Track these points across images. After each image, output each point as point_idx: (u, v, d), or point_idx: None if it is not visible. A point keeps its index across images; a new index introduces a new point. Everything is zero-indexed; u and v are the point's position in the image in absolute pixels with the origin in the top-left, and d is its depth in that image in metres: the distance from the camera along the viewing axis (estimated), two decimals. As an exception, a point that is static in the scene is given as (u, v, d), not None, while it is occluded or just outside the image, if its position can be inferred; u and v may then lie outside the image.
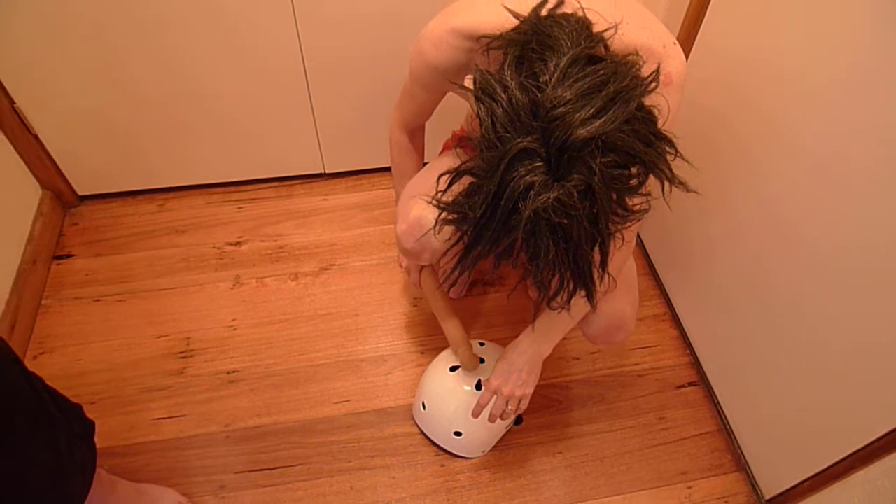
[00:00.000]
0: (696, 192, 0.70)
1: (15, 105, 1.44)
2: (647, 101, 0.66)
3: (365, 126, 1.65)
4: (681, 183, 0.68)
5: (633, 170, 0.66)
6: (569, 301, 0.73)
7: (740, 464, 1.32)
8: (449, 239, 0.73)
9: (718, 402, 1.39)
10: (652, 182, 0.68)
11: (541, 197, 0.61)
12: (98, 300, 1.52)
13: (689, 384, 1.45)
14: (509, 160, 0.62)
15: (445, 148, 1.27)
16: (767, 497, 1.25)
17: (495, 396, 1.09)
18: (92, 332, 1.47)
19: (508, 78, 0.64)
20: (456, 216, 0.70)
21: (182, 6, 1.32)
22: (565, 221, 0.62)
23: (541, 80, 0.62)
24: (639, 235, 1.68)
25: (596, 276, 0.71)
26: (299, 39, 1.43)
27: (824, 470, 1.07)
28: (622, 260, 1.01)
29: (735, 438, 1.34)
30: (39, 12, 1.29)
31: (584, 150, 0.61)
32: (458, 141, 1.22)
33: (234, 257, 1.62)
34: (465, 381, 1.24)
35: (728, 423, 1.36)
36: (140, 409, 1.35)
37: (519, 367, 1.05)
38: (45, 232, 1.58)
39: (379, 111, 1.48)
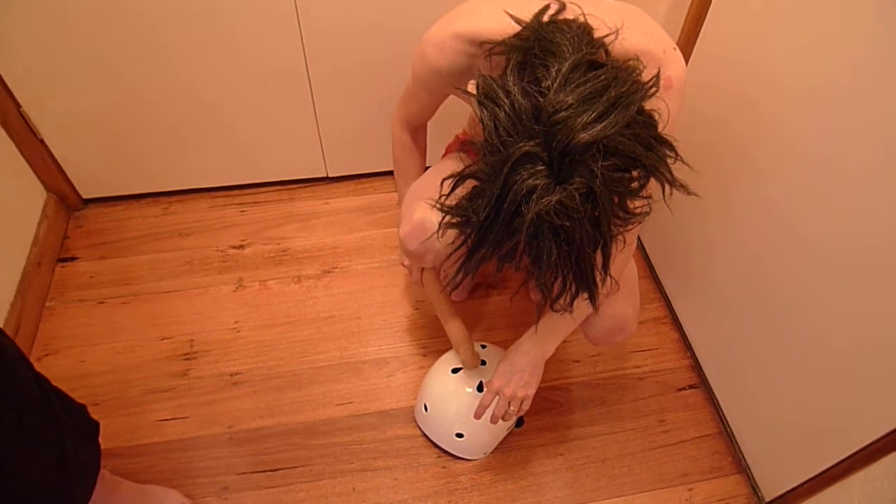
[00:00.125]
0: (696, 195, 0.71)
1: (21, 109, 1.45)
2: (648, 105, 0.67)
3: (367, 130, 1.67)
4: (681, 186, 0.69)
5: (634, 173, 0.67)
6: (571, 303, 0.74)
7: (741, 466, 1.33)
8: (452, 242, 0.75)
9: (719, 405, 1.40)
10: (653, 185, 0.69)
11: (543, 200, 0.62)
12: (102, 302, 1.53)
13: (690, 387, 1.45)
14: (512, 164, 0.63)
15: (448, 151, 1.28)
16: (768, 499, 1.25)
17: (497, 397, 1.09)
18: (96, 334, 1.47)
19: (511, 83, 0.65)
20: (459, 219, 0.71)
21: (187, 14, 1.34)
22: (567, 224, 0.63)
23: (543, 85, 0.64)
24: (639, 239, 1.69)
25: (598, 278, 0.72)
26: (303, 46, 1.44)
27: (824, 471, 1.08)
28: (623, 262, 1.02)
29: (735, 441, 1.35)
30: (46, 18, 1.30)
31: (585, 153, 0.62)
32: (461, 144, 1.23)
33: (237, 260, 1.63)
34: (467, 383, 1.25)
35: (728, 425, 1.37)
36: (143, 410, 1.36)
37: (521, 367, 1.06)
38: (50, 235, 1.59)
39: (381, 116, 1.49)
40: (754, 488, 1.29)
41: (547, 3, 0.77)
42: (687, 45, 1.29)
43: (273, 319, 1.52)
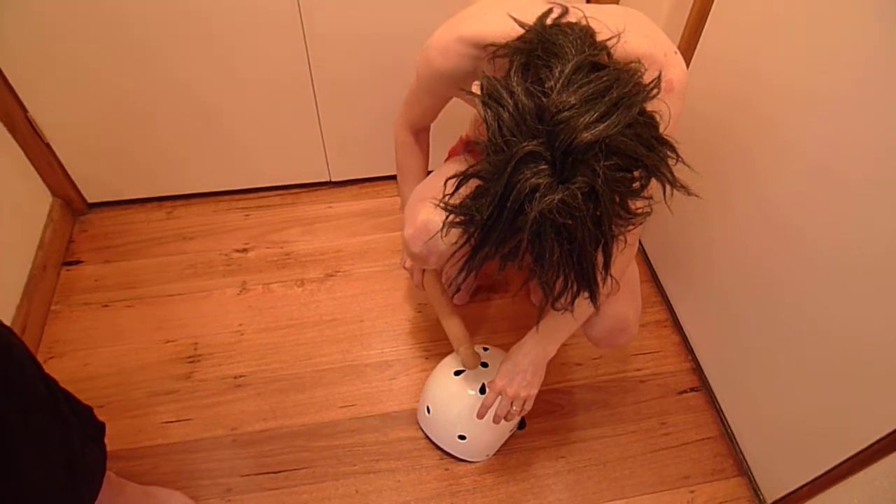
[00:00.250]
0: (696, 195, 0.72)
1: (28, 115, 1.46)
2: (649, 107, 0.68)
3: (370, 136, 1.68)
4: (682, 187, 0.70)
5: (636, 173, 0.68)
6: (573, 302, 0.74)
7: (742, 468, 1.33)
8: (455, 242, 0.76)
9: (720, 408, 1.40)
10: (654, 186, 0.70)
11: (546, 198, 0.63)
12: (107, 305, 1.54)
13: (691, 389, 1.46)
14: (515, 163, 0.64)
15: (451, 155, 1.29)
16: (769, 501, 1.25)
17: (500, 397, 1.10)
18: (100, 336, 1.48)
19: (515, 84, 0.66)
20: (463, 218, 0.72)
21: (194, 22, 1.36)
22: (570, 222, 0.64)
23: (546, 85, 0.65)
24: (641, 243, 1.69)
25: (599, 277, 0.73)
26: (308, 56, 1.46)
27: (825, 473, 1.08)
28: (625, 263, 1.03)
29: (737, 443, 1.35)
30: (53, 25, 1.32)
31: (588, 153, 0.63)
32: (465, 145, 1.24)
33: (241, 264, 1.64)
34: (470, 385, 1.26)
35: (730, 427, 1.37)
36: (147, 412, 1.37)
37: (523, 367, 1.07)
38: (56, 238, 1.60)
39: (384, 122, 1.51)
40: (756, 490, 1.30)
41: (550, 7, 0.78)
42: (688, 48, 1.30)
43: (276, 322, 1.53)
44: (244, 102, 1.55)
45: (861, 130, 0.92)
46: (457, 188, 0.72)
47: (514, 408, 1.10)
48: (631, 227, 0.71)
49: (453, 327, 1.24)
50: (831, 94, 0.97)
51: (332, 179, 1.81)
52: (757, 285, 1.21)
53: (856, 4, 0.90)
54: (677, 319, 1.55)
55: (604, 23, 0.76)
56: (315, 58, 1.47)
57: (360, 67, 1.51)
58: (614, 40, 0.72)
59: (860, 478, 1.01)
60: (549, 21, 0.75)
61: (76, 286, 1.58)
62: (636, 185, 0.68)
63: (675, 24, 1.35)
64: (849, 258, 0.98)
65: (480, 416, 1.13)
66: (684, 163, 0.72)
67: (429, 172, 1.23)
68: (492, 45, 0.78)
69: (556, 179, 0.64)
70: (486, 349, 1.33)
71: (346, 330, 1.52)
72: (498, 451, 1.34)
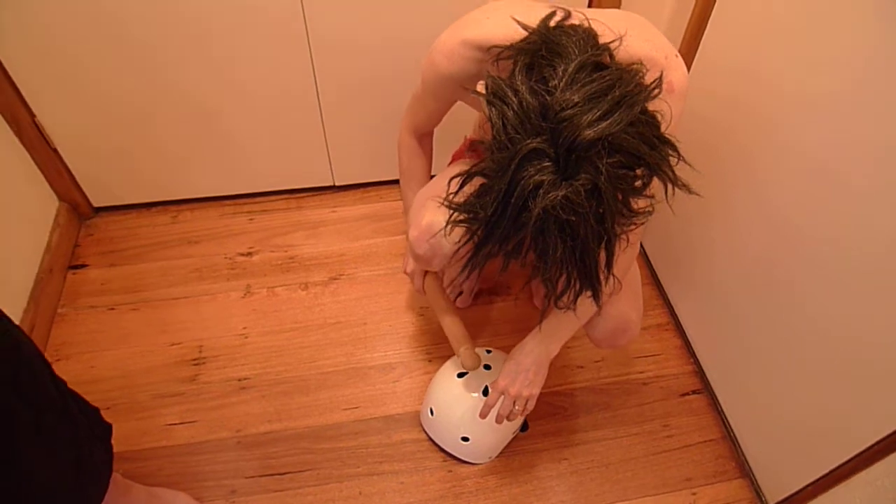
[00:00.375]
0: (697, 194, 0.73)
1: (35, 119, 1.48)
2: (651, 107, 0.69)
3: (374, 141, 1.70)
4: (683, 185, 0.71)
5: (638, 171, 0.69)
6: (575, 300, 0.75)
7: (744, 470, 1.34)
8: (459, 241, 0.76)
9: (722, 410, 1.41)
10: (655, 185, 0.71)
11: (549, 195, 0.64)
12: (112, 309, 1.55)
13: (693, 392, 1.46)
14: (519, 160, 0.65)
15: (454, 158, 1.30)
16: (771, 502, 1.26)
17: (503, 397, 1.10)
18: (106, 339, 1.49)
19: (519, 82, 0.67)
20: (467, 216, 0.73)
21: (201, 30, 1.37)
22: (573, 219, 0.65)
23: (550, 84, 0.66)
24: (642, 246, 1.70)
25: (602, 276, 0.74)
26: (312, 61, 1.48)
27: (827, 473, 1.08)
28: (627, 262, 1.03)
29: (739, 445, 1.36)
30: (60, 30, 1.33)
31: (591, 150, 0.64)
32: (470, 145, 1.25)
33: (245, 267, 1.65)
34: (473, 387, 1.26)
35: (732, 430, 1.38)
36: (153, 414, 1.38)
37: (526, 367, 1.07)
38: (62, 242, 1.61)
39: (387, 127, 1.52)
40: (758, 492, 1.30)
41: (553, 10, 0.79)
42: (689, 52, 1.31)
43: (280, 325, 1.54)
44: (249, 108, 1.56)
45: (861, 131, 0.93)
46: (461, 186, 0.73)
47: (517, 407, 1.10)
48: (633, 225, 0.72)
49: (453, 327, 1.25)
50: (831, 95, 0.98)
51: (336, 184, 1.82)
52: (757, 286, 1.22)
53: (856, 5, 0.91)
54: (679, 322, 1.56)
55: (606, 26, 0.77)
56: (319, 63, 1.48)
57: (363, 73, 1.52)
58: (616, 43, 0.73)
59: (862, 478, 1.01)
60: (552, 23, 0.76)
61: (82, 290, 1.59)
62: (638, 182, 0.69)
63: (676, 28, 1.36)
64: (849, 258, 0.98)
65: (483, 415, 1.14)
66: (685, 161, 0.73)
67: (432, 177, 1.25)
68: (496, 47, 0.79)
69: (559, 176, 0.65)
70: (489, 352, 1.33)
71: (350, 333, 1.53)
72: (501, 453, 1.34)
